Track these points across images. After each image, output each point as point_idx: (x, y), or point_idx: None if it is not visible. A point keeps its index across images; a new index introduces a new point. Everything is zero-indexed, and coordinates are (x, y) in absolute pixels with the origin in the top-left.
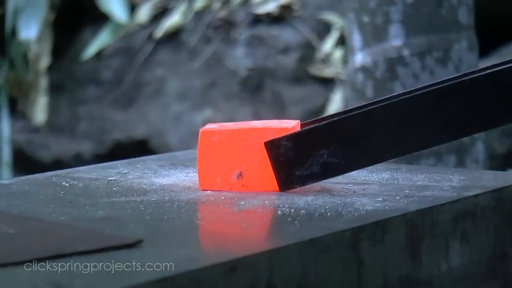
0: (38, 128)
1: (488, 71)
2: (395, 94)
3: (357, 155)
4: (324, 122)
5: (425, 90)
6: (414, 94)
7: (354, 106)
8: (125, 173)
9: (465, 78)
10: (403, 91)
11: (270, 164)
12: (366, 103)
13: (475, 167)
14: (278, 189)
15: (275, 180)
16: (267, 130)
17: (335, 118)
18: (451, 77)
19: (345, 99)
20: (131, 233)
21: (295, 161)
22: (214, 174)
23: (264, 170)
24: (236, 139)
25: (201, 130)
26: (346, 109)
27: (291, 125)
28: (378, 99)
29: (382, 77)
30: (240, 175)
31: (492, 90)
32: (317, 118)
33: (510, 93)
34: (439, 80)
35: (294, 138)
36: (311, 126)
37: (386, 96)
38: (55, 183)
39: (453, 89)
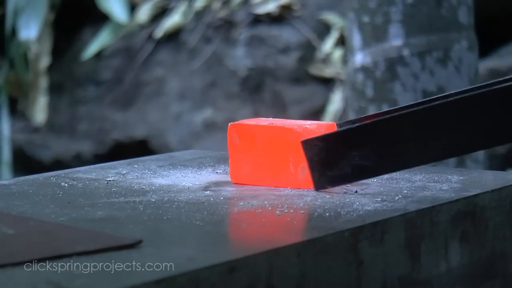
0: (38, 128)
1: None
2: (427, 99)
3: (388, 159)
4: (356, 125)
5: (458, 97)
6: (446, 100)
7: (385, 110)
8: (124, 173)
9: (497, 87)
10: (433, 97)
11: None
12: (398, 107)
13: (475, 167)
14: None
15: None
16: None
17: (368, 121)
18: (482, 84)
19: (345, 99)
20: (131, 234)
21: (328, 162)
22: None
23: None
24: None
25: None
26: (379, 111)
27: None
28: (409, 104)
29: (382, 77)
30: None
31: None
32: (351, 119)
33: None
34: (472, 87)
35: (326, 139)
36: (343, 128)
37: (418, 101)
38: (54, 184)
39: (486, 96)
